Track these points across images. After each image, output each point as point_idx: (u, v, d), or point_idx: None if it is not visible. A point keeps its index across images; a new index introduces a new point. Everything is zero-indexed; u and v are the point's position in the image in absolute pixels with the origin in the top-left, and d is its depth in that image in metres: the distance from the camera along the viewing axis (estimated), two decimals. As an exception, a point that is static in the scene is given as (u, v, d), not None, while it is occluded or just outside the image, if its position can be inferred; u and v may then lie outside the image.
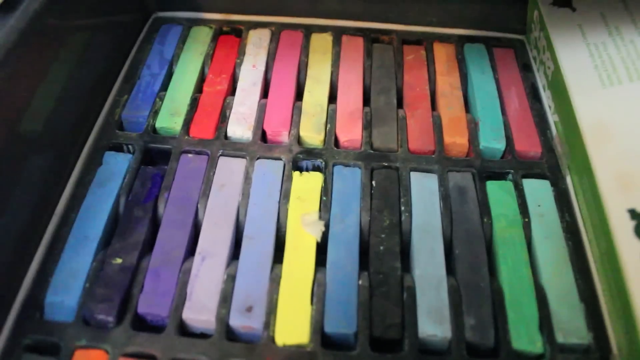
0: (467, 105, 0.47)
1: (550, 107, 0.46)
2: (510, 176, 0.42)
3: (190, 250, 0.38)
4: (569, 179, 0.42)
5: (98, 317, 0.34)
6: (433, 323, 0.35)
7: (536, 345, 0.34)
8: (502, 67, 0.49)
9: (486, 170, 0.42)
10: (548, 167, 0.42)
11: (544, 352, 0.34)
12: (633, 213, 0.35)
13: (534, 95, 0.47)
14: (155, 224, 0.39)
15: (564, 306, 0.36)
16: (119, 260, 0.36)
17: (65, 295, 0.35)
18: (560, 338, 0.35)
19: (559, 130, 0.44)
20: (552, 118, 0.45)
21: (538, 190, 0.41)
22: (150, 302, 0.35)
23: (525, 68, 0.50)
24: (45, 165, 0.39)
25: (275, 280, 0.36)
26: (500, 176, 0.42)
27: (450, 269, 0.38)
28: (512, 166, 0.42)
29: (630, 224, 0.34)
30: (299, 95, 0.47)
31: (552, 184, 0.42)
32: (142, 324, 0.35)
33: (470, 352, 0.34)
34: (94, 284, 0.35)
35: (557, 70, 0.44)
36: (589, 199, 0.38)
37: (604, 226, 0.36)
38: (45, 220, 0.38)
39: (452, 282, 0.37)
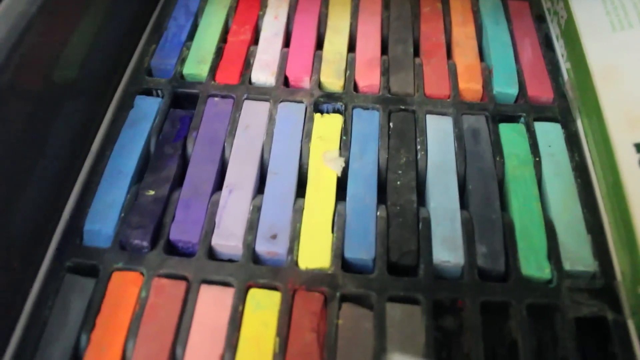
0: (482, 55, 0.49)
1: (563, 55, 0.47)
2: (522, 119, 0.44)
3: (218, 185, 0.40)
4: (579, 122, 0.43)
5: (133, 242, 0.36)
6: (447, 250, 0.37)
7: (544, 271, 0.36)
8: (517, 18, 0.51)
9: (499, 113, 0.44)
10: (559, 111, 0.44)
11: (551, 277, 0.36)
12: (638, 147, 0.36)
13: (547, 44, 0.49)
14: (184, 161, 0.41)
15: (572, 237, 0.38)
16: (151, 192, 0.39)
17: (102, 223, 0.37)
18: (567, 266, 0.37)
19: (570, 76, 0.45)
20: (564, 66, 0.47)
21: (549, 132, 0.43)
22: (182, 230, 0.37)
23: (539, 19, 0.51)
24: (81, 109, 0.41)
25: (298, 211, 0.38)
26: (512, 119, 0.44)
27: (463, 204, 0.40)
28: (524, 110, 0.44)
29: (636, 157, 0.36)
30: (319, 45, 0.49)
31: (563, 127, 0.43)
32: (174, 251, 0.38)
33: (482, 278, 0.36)
34: (128, 214, 0.38)
35: (570, 18, 0.45)
36: (598, 137, 0.40)
37: (611, 160, 0.37)
38: (82, 158, 0.41)
39: (465, 215, 0.38)
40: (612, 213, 0.37)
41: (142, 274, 0.36)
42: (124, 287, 0.35)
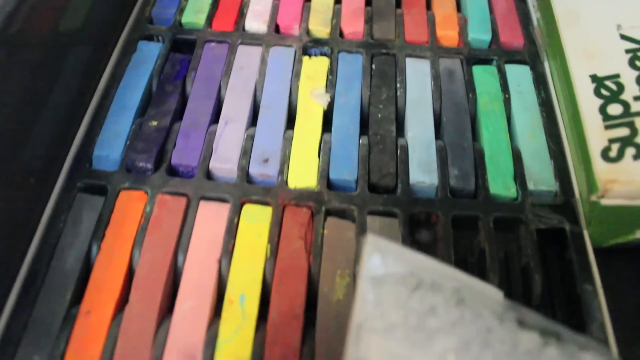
0: (459, 7, 0.53)
1: (534, 6, 0.51)
2: (494, 62, 0.47)
3: (215, 118, 0.44)
4: (546, 64, 0.47)
5: (138, 164, 0.40)
6: (422, 173, 0.41)
7: (510, 190, 0.40)
8: (492, -27, 0.54)
9: (473, 57, 0.47)
10: (529, 55, 0.48)
11: (516, 196, 0.40)
12: (594, 77, 0.40)
13: (519, -3, 0.53)
14: (184, 99, 0.45)
15: (536, 162, 0.42)
16: (154, 123, 0.42)
17: (109, 150, 0.41)
18: (531, 186, 0.40)
19: (540, 24, 0.49)
20: (534, 15, 0.50)
21: (519, 74, 0.47)
22: (182, 155, 0.41)
23: (513, -26, 0.55)
24: (88, 53, 0.45)
25: (287, 140, 0.42)
26: (485, 62, 0.48)
27: (438, 135, 0.44)
28: (496, 54, 0.48)
29: (591, 86, 0.40)
30: (307, -1, 0.52)
31: (532, 69, 0.47)
32: (175, 175, 0.41)
33: (454, 196, 0.40)
34: (133, 141, 0.41)
35: (540, -31, 0.49)
36: (561, 74, 0.43)
37: (571, 92, 0.41)
38: (90, 94, 0.44)
39: (440, 143, 0.42)
40: (572, 139, 0.41)
41: (146, 192, 0.39)
42: (130, 203, 0.39)
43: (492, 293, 0.29)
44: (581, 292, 0.36)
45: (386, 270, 0.29)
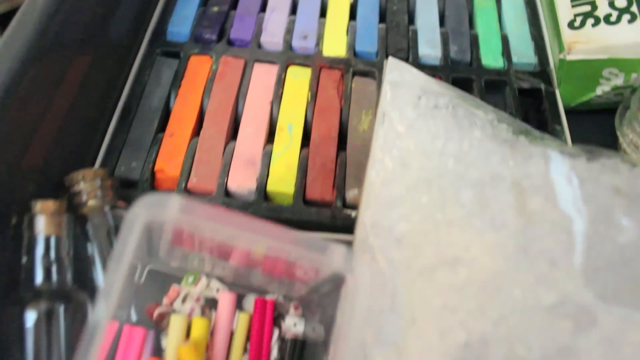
0: None
1: None
2: (488, -28, 0.58)
3: (263, 8, 0.54)
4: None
5: (205, 36, 0.50)
6: (429, 48, 0.51)
7: (498, 62, 0.51)
8: None
9: (471, -32, 0.58)
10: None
11: (503, 66, 0.50)
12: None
13: None
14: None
15: (520, 43, 0.52)
16: (216, 8, 0.53)
17: (180, 27, 0.51)
18: (515, 59, 0.51)
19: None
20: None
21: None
22: (239, 32, 0.51)
23: None
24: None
25: (322, 23, 0.52)
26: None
27: (442, 25, 0.54)
28: (490, -34, 0.58)
29: (563, -22, 0.50)
30: None
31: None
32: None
33: (453, 65, 0.50)
34: (200, 20, 0.52)
35: None
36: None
37: (548, -15, 0.52)
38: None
39: (443, 29, 0.53)
40: (547, 19, 0.51)
41: (211, 57, 0.50)
42: (199, 64, 0.49)
43: (481, 103, 0.39)
44: (552, 131, 0.46)
45: (402, 79, 0.39)
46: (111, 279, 0.28)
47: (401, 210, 0.33)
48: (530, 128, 0.39)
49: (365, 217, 0.34)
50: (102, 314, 0.27)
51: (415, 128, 0.37)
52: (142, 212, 0.29)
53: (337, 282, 0.33)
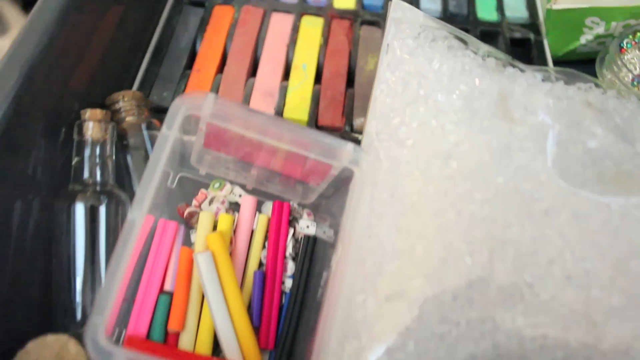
0: None
1: None
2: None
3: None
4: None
5: (228, -12, 0.56)
6: (430, 2, 0.56)
7: (492, 15, 0.56)
8: None
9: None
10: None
11: (497, 19, 0.56)
12: None
13: None
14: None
15: (512, 0, 0.57)
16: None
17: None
18: (508, 13, 0.56)
19: None
20: None
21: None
22: (258, -14, 0.57)
23: None
24: None
25: (333, -20, 0.58)
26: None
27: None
28: None
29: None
30: None
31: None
32: None
33: (452, 17, 0.56)
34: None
35: None
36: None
37: (539, -51, 0.57)
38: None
39: (443, -11, 0.58)
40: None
41: (233, 7, 0.55)
42: (222, 12, 0.54)
43: (474, 40, 0.43)
44: (539, 75, 0.51)
45: (404, 16, 0.44)
46: (150, 173, 0.32)
47: (402, 119, 0.38)
48: (517, 62, 0.44)
49: (371, 127, 0.39)
50: (139, 206, 0.32)
51: (415, 55, 0.42)
52: (182, 103, 0.34)
53: (344, 183, 0.38)
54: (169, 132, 0.33)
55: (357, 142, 0.45)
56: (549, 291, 0.33)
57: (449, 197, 0.35)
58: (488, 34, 0.54)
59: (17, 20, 0.75)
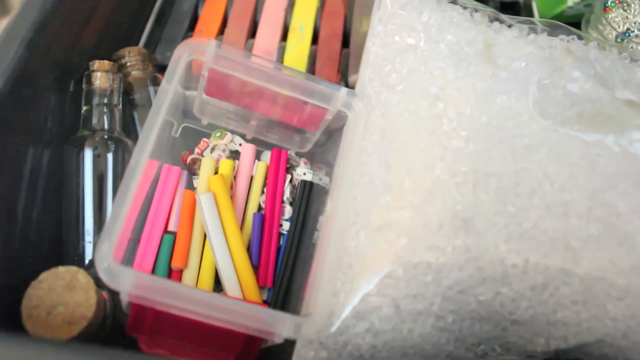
0: None
1: None
2: None
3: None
4: None
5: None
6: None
7: (483, -19, 0.58)
8: None
9: None
10: None
11: (488, -15, 0.57)
12: None
13: None
14: None
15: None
16: None
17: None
18: (498, -21, 0.58)
19: None
20: None
21: None
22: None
23: None
24: None
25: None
26: None
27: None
28: None
29: None
30: None
31: None
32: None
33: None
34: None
35: None
36: None
37: None
38: None
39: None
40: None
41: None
42: (223, -22, 0.56)
43: None
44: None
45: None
46: (154, 114, 0.34)
47: (392, 66, 0.40)
48: (504, 16, 0.46)
49: (364, 75, 0.41)
50: (142, 147, 0.33)
51: (406, 9, 0.43)
52: (186, 47, 0.36)
53: (337, 131, 0.40)
54: (174, 73, 0.35)
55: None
56: (530, 220, 0.34)
57: (436, 135, 0.36)
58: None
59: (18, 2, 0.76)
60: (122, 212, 0.32)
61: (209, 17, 0.53)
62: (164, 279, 0.33)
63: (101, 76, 0.41)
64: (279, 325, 0.31)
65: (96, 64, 0.42)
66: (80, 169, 0.41)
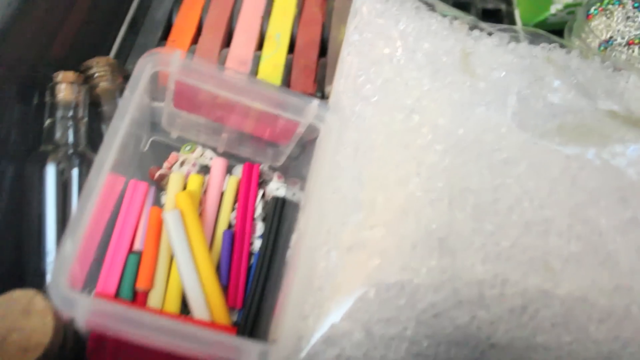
0: None
1: None
2: None
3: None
4: None
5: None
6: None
7: (465, -12, 0.56)
8: None
9: None
10: None
11: (470, -6, 0.56)
12: None
13: None
14: None
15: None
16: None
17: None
18: (481, -13, 0.56)
19: None
20: None
21: None
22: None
23: None
24: None
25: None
26: None
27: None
28: None
29: None
30: None
31: None
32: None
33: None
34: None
35: None
36: None
37: None
38: None
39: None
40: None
41: (209, -19, 0.55)
42: (199, -14, 0.54)
43: (444, 7, 0.43)
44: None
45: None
46: (115, 127, 0.32)
47: (367, 77, 0.38)
48: (484, 24, 0.44)
49: (338, 85, 0.39)
50: (102, 160, 0.31)
51: (383, 17, 0.41)
52: (150, 59, 0.34)
53: (310, 143, 0.38)
54: (137, 85, 0.33)
55: (328, 106, 0.45)
56: (508, 238, 0.32)
57: (411, 149, 0.34)
58: (460, 4, 0.54)
59: None
60: (77, 232, 0.30)
61: (183, 25, 0.51)
62: (123, 305, 0.31)
63: (65, 88, 0.39)
64: (244, 354, 0.29)
65: (60, 75, 0.40)
66: (42, 186, 0.38)
